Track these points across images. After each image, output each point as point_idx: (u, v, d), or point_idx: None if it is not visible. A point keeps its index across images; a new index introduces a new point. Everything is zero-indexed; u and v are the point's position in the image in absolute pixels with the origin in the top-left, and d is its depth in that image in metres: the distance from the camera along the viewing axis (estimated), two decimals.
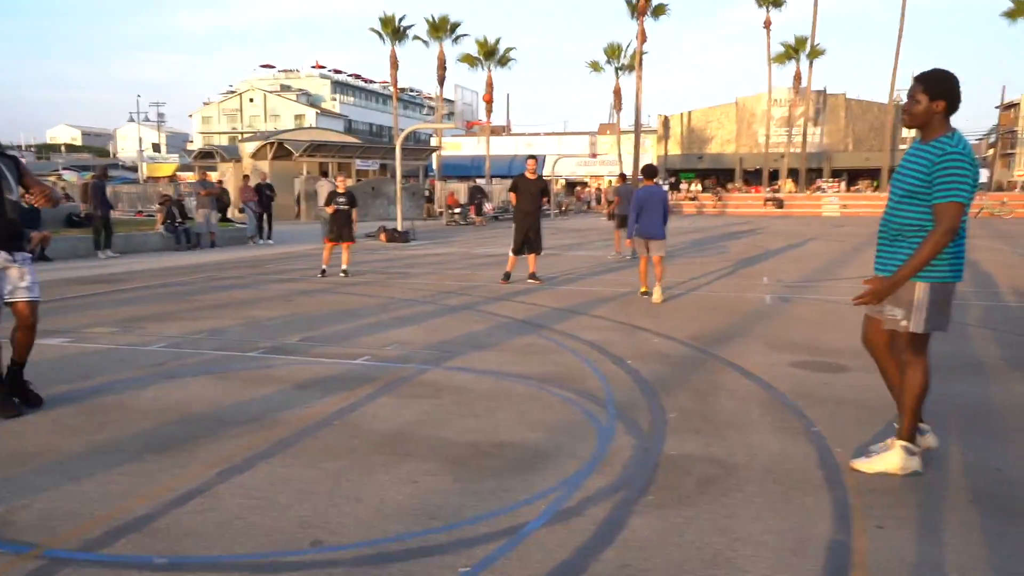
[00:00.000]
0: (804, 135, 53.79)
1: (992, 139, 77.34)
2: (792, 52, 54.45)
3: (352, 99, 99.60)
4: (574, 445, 4.65)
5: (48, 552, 3.31)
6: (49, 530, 3.52)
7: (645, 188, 11.03)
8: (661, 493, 3.93)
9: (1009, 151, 73.24)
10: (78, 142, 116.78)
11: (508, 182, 13.62)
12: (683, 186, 55.40)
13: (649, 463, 4.36)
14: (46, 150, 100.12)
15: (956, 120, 4.05)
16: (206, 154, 42.96)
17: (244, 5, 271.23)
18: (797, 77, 55.07)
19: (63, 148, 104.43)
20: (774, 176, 55.06)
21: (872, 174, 54.67)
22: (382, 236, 22.50)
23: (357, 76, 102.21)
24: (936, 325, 4.05)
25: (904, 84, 48.75)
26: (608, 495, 3.89)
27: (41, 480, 4.13)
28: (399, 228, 23.21)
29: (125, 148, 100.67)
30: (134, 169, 69.80)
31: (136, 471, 4.24)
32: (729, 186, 55.69)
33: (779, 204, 46.58)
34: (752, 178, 58.09)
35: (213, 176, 30.79)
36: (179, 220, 20.54)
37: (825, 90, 57.75)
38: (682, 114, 62.05)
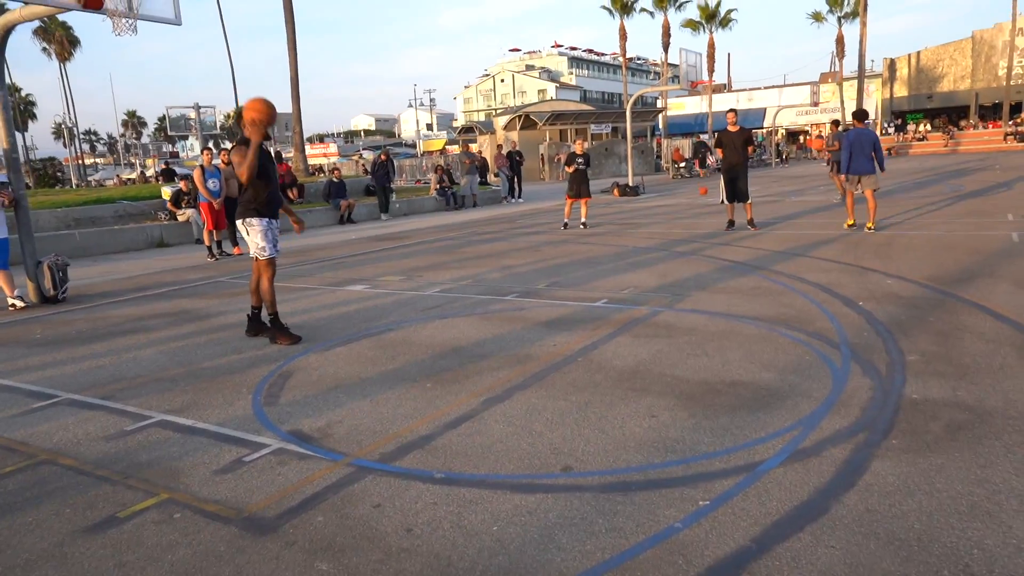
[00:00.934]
0: None
1: None
2: None
3: (587, 72, 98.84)
4: (808, 385, 4.18)
5: (355, 461, 3.53)
6: (356, 442, 3.76)
7: (855, 130, 10.89)
8: (905, 437, 3.39)
9: None
10: (373, 127, 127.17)
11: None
12: (910, 127, 48.97)
13: (890, 406, 3.79)
14: (351, 135, 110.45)
15: None
16: (467, 129, 44.88)
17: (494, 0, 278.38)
18: None
19: (363, 133, 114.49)
20: (1017, 109, 46.86)
21: None
22: (615, 191, 22.18)
23: (590, 51, 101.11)
24: None
25: None
26: (847, 437, 3.43)
27: (350, 400, 4.44)
28: (630, 183, 22.74)
29: (406, 129, 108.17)
30: (413, 146, 74.70)
31: (419, 396, 4.44)
32: (962, 123, 48.36)
33: (1021, 137, 39.70)
34: (989, 113, 49.93)
35: (473, 147, 32.08)
36: (448, 186, 21.62)
37: None
38: (910, 55, 54.51)
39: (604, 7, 51.08)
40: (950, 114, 51.04)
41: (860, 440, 3.39)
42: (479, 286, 8.09)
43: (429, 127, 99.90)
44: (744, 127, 12.18)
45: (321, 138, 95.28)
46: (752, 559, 2.49)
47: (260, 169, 5.56)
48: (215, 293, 8.76)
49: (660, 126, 51.09)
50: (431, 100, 79.64)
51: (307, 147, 69.76)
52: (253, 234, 5.74)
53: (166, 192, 16.09)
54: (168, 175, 24.57)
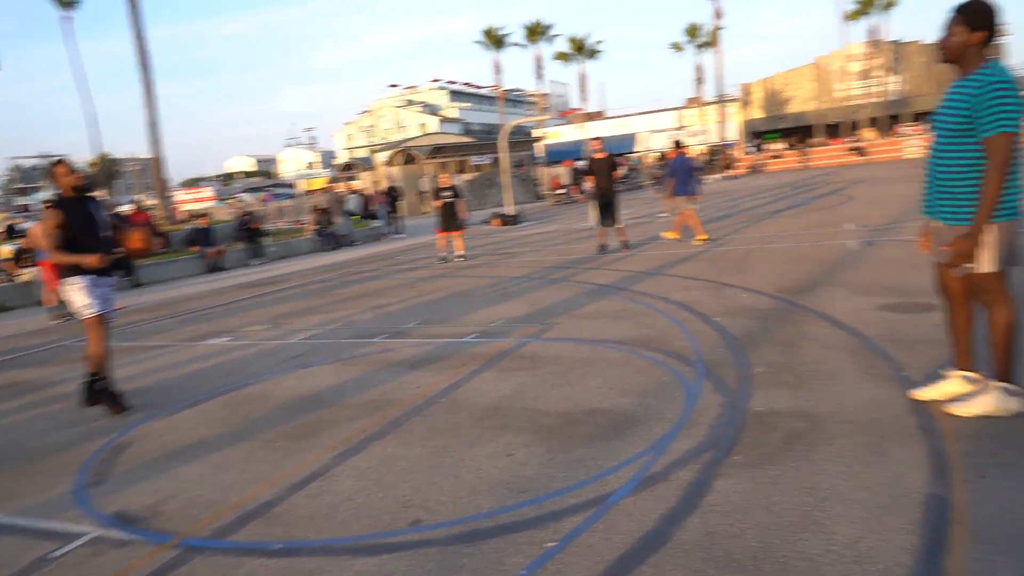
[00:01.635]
0: (882, 85, 49.70)
1: None
2: (865, 7, 50.31)
3: (468, 104, 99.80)
4: (662, 407, 4.24)
5: (184, 541, 3.23)
6: (190, 518, 3.46)
7: (679, 156, 12.96)
8: (747, 452, 3.47)
9: None
10: (254, 167, 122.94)
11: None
12: (767, 146, 52.45)
13: (736, 421, 3.89)
14: (227, 178, 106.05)
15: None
16: (348, 167, 44.24)
17: (372, 36, 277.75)
18: (872, 31, 50.90)
19: (242, 175, 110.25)
20: (855, 127, 51.25)
21: None
22: (495, 221, 22.34)
23: (469, 84, 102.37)
24: (1010, 261, 3.40)
25: None
26: (694, 457, 3.48)
27: (190, 469, 4.11)
28: (510, 212, 23.00)
29: (286, 168, 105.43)
30: (291, 185, 72.84)
31: (267, 458, 4.17)
32: (812, 141, 52.29)
33: (861, 152, 43.29)
34: (833, 131, 54.25)
35: (356, 184, 31.58)
36: (325, 227, 21.11)
37: (900, 39, 53.06)
38: (762, 81, 58.65)
39: (478, 41, 52.30)
40: (800, 133, 55.06)
41: (706, 459, 3.44)
42: (347, 330, 7.83)
43: (311, 166, 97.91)
44: (611, 153, 12.63)
45: (196, 182, 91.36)
46: None
47: (77, 227, 5.17)
48: (56, 360, 8.04)
49: (540, 154, 52.37)
50: (311, 138, 78.34)
51: (180, 192, 66.62)
52: (73, 294, 5.29)
53: (6, 251, 14.81)
54: (11, 232, 22.72)
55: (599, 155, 12.20)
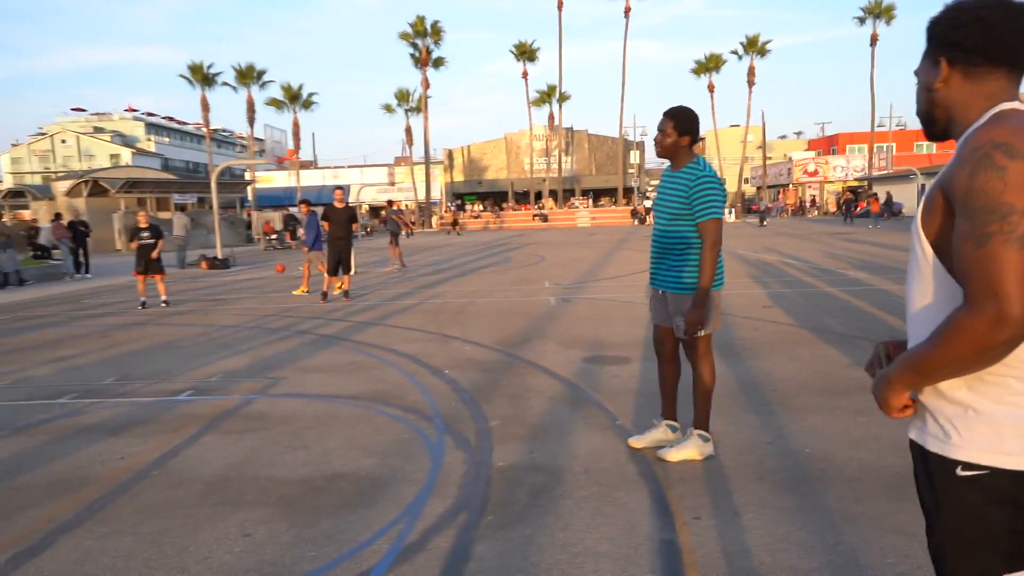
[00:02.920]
0: (559, 163, 55.96)
1: None
2: (546, 97, 56.39)
3: (167, 139, 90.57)
4: (408, 467, 3.99)
5: None
6: None
7: (311, 214, 13.59)
8: (498, 511, 3.37)
9: None
10: None
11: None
12: (468, 207, 55.75)
13: (482, 478, 3.79)
14: None
15: None
16: (17, 193, 37.09)
17: (51, 52, 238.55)
18: (551, 117, 57.24)
19: None
20: (539, 196, 56.91)
21: (611, 192, 58.24)
22: (203, 264, 20.28)
23: (170, 118, 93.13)
24: (715, 326, 3.86)
25: (628, 123, 51.75)
26: (449, 520, 3.28)
27: None
28: (219, 256, 21.07)
29: None
30: None
31: None
32: (504, 205, 56.82)
33: (544, 218, 48.17)
34: (522, 198, 59.60)
35: (26, 214, 26.47)
36: None
37: (572, 127, 60.29)
38: (462, 148, 62.44)
39: (183, 76, 47.96)
40: (495, 197, 59.58)
41: (461, 522, 3.27)
42: (19, 390, 6.30)
43: None
44: (349, 205, 12.30)
45: None
46: None
47: None
48: None
49: (250, 198, 49.27)
50: None
51: None
52: None
53: None
54: None
55: (339, 204, 11.96)
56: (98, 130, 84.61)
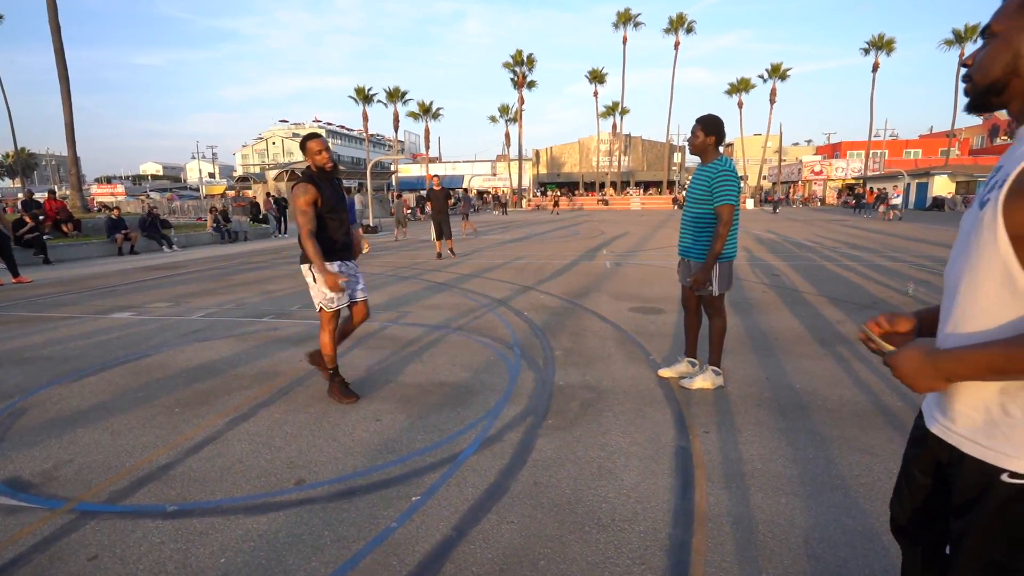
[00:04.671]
0: (619, 161, 53.95)
1: None
2: (611, 110, 54.21)
3: (340, 141, 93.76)
4: (493, 380, 4.02)
5: (78, 506, 2.46)
6: (84, 483, 2.66)
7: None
8: (556, 417, 3.35)
9: None
10: (161, 173, 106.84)
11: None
12: (550, 193, 55.01)
13: (546, 392, 3.77)
14: (138, 179, 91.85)
15: None
16: (243, 179, 39.55)
17: (269, 81, 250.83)
18: (614, 126, 55.07)
19: (150, 177, 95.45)
20: (602, 186, 55.32)
21: (657, 184, 55.79)
22: (360, 230, 21.05)
23: (343, 126, 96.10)
24: (725, 287, 3.62)
25: (674, 131, 48.97)
26: (520, 421, 3.29)
27: (88, 434, 3.21)
28: (371, 223, 21.81)
29: (192, 176, 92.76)
30: (196, 190, 63.82)
31: (165, 423, 3.37)
32: (576, 192, 55.63)
33: (606, 202, 46.84)
34: (589, 187, 58.19)
35: (250, 193, 28.22)
36: (223, 223, 18.57)
37: (630, 134, 57.70)
38: (546, 148, 61.16)
39: (351, 96, 49.22)
40: (570, 186, 58.34)
41: (529, 423, 3.26)
42: (240, 310, 6.78)
43: (212, 175, 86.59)
44: (445, 188, 12.35)
45: (109, 179, 76.85)
46: (453, 547, 2.12)
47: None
48: None
49: (394, 183, 50.53)
50: (213, 154, 68.99)
51: (94, 187, 55.81)
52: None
53: None
54: None
55: (437, 187, 11.89)
56: (295, 135, 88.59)
